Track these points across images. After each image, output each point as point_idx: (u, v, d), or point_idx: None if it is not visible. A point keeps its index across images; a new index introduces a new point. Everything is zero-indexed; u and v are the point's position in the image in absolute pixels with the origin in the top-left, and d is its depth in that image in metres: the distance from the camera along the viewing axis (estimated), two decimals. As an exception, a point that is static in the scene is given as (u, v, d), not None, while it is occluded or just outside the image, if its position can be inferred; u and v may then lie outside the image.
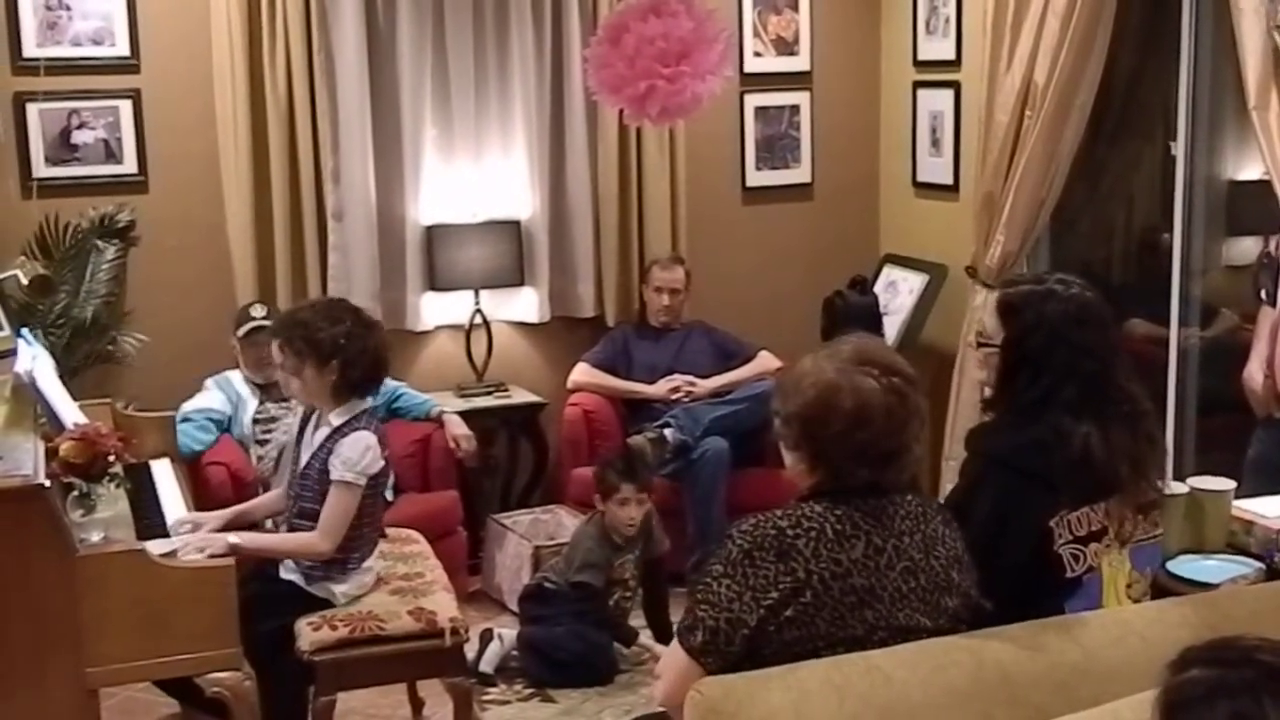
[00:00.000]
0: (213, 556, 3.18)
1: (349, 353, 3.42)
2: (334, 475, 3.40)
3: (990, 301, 2.69)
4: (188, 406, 4.51)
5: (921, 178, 5.75)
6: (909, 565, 2.24)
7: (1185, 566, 2.86)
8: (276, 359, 3.51)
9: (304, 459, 3.51)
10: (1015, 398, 2.57)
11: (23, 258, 4.27)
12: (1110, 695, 2.06)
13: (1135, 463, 2.51)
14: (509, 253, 5.38)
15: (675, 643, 2.26)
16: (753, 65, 5.76)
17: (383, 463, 3.49)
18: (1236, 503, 3.04)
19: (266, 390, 4.59)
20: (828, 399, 2.25)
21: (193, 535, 3.34)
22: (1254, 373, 3.80)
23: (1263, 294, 3.89)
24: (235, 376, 4.66)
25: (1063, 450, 2.44)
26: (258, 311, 4.62)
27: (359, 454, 3.40)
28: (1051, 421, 2.47)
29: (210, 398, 4.59)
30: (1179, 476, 3.09)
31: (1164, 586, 2.75)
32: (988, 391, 2.68)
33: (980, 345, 2.69)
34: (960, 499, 2.55)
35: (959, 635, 2.26)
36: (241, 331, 4.58)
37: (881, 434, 2.24)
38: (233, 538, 3.35)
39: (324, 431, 3.48)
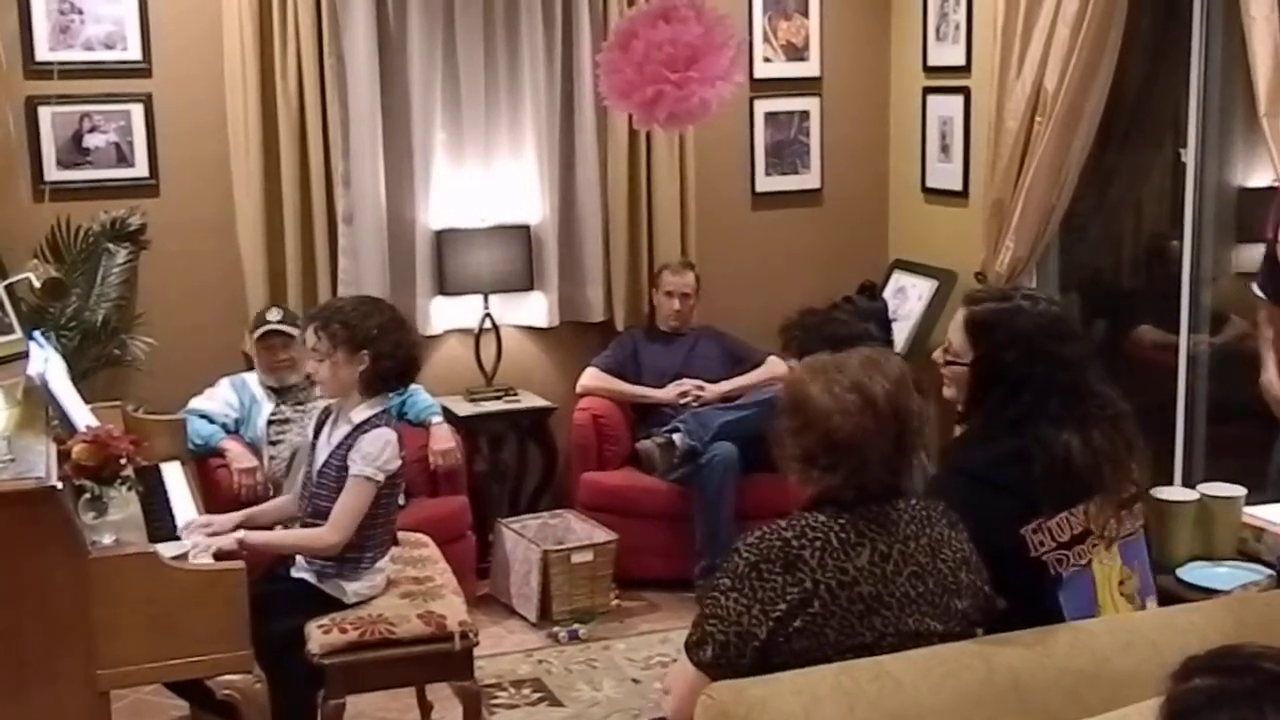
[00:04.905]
0: (219, 553, 3.19)
1: (381, 345, 3.46)
2: (353, 470, 3.41)
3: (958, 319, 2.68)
4: (190, 404, 4.56)
5: (931, 183, 5.75)
6: (916, 570, 2.24)
7: (1195, 573, 2.85)
8: (310, 343, 3.52)
9: (321, 459, 3.52)
10: (992, 414, 2.56)
11: (34, 260, 4.29)
12: (1120, 701, 2.06)
13: (1116, 465, 2.51)
14: (518, 257, 5.38)
15: (684, 658, 2.26)
16: (762, 71, 5.76)
17: (400, 462, 3.51)
18: (1246, 509, 3.04)
19: (281, 394, 4.61)
20: (793, 408, 2.29)
21: (202, 537, 3.34)
22: (1273, 379, 3.77)
23: (1255, 287, 3.86)
24: (252, 379, 4.68)
25: (1043, 457, 2.44)
26: (273, 315, 4.64)
27: (379, 449, 3.42)
28: (1033, 433, 2.46)
29: (211, 400, 4.60)
30: (1189, 483, 3.09)
31: (1174, 593, 2.75)
32: (960, 409, 2.69)
33: (948, 364, 2.69)
34: None
35: (969, 641, 2.27)
36: (258, 334, 4.61)
37: (833, 445, 2.23)
38: (239, 533, 3.38)
39: (344, 429, 3.49)
